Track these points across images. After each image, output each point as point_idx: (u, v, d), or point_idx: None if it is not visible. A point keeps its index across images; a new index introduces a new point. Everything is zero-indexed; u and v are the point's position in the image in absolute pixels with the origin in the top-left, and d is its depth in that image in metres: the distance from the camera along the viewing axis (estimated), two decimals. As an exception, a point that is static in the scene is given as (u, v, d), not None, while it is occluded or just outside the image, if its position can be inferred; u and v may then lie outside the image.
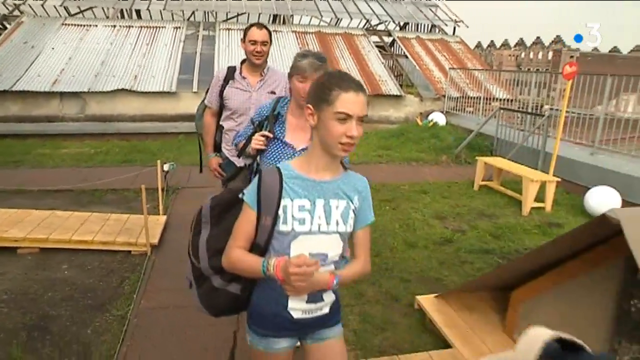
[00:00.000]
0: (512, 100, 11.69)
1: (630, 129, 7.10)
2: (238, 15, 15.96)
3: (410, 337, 3.06)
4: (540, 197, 5.95)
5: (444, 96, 12.11)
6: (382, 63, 13.27)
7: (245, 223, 1.49)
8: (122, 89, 10.54)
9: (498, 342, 2.81)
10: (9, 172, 6.84)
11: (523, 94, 11.63)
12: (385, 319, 3.26)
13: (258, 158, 2.15)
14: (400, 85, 13.09)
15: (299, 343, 1.65)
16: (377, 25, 16.09)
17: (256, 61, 2.93)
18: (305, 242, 1.46)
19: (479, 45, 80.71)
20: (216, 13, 15.46)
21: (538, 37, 73.44)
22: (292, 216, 1.44)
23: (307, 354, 1.64)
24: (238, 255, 1.49)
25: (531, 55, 72.45)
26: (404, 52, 14.42)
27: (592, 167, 6.54)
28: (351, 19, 15.65)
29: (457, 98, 11.84)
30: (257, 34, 2.88)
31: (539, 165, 7.06)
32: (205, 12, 15.85)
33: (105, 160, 7.84)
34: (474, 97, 11.43)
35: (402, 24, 16.53)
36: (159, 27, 13.24)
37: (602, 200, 5.57)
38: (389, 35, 15.60)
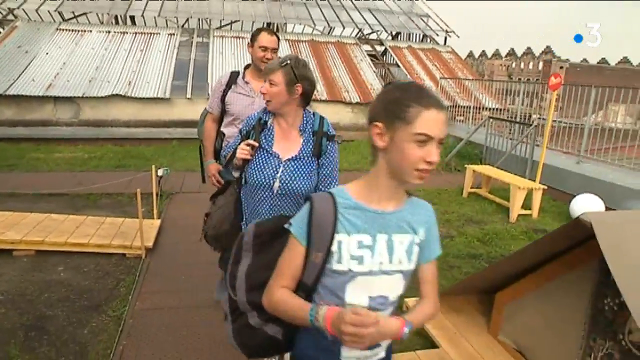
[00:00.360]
0: (502, 110, 11.92)
1: (614, 139, 7.31)
2: (232, 22, 16.12)
3: (399, 338, 3.15)
4: (527, 204, 6.09)
5: (435, 105, 12.28)
6: (374, 72, 13.48)
7: (292, 259, 1.27)
8: (116, 95, 10.62)
9: (483, 343, 2.92)
10: (2, 176, 6.87)
11: (514, 103, 11.83)
12: (375, 320, 3.34)
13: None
14: (392, 94, 13.24)
15: None
16: (369, 34, 16.32)
17: (264, 67, 2.85)
18: (363, 284, 1.25)
19: (470, 54, 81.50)
20: (210, 20, 15.59)
21: (529, 48, 74.34)
22: (349, 254, 1.23)
23: None
24: (282, 296, 1.28)
25: (522, 65, 73.33)
26: (396, 61, 14.65)
27: (578, 175, 6.71)
28: (344, 28, 15.89)
29: (448, 107, 12.03)
30: (268, 40, 2.80)
31: (526, 173, 7.21)
32: (199, 19, 15.97)
33: (99, 165, 7.89)
34: (464, 106, 11.66)
35: (394, 33, 16.78)
36: (154, 34, 13.35)
37: (586, 207, 5.68)
38: (381, 44, 15.84)
